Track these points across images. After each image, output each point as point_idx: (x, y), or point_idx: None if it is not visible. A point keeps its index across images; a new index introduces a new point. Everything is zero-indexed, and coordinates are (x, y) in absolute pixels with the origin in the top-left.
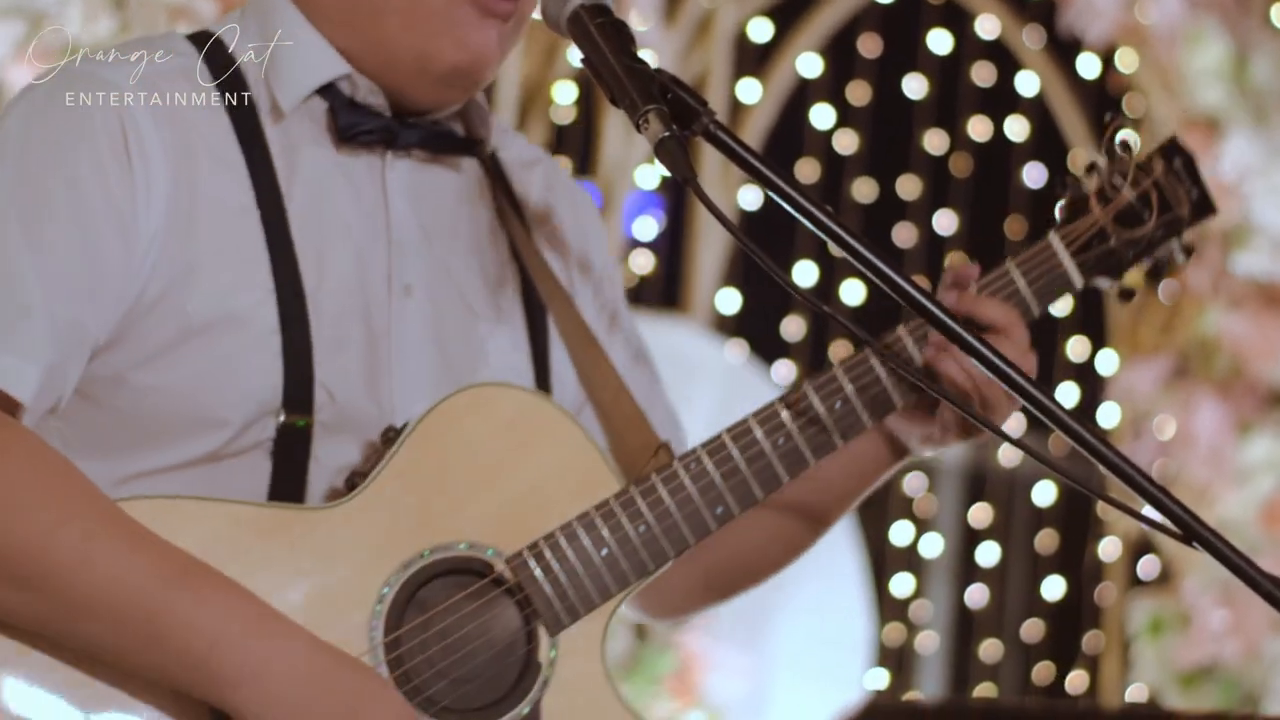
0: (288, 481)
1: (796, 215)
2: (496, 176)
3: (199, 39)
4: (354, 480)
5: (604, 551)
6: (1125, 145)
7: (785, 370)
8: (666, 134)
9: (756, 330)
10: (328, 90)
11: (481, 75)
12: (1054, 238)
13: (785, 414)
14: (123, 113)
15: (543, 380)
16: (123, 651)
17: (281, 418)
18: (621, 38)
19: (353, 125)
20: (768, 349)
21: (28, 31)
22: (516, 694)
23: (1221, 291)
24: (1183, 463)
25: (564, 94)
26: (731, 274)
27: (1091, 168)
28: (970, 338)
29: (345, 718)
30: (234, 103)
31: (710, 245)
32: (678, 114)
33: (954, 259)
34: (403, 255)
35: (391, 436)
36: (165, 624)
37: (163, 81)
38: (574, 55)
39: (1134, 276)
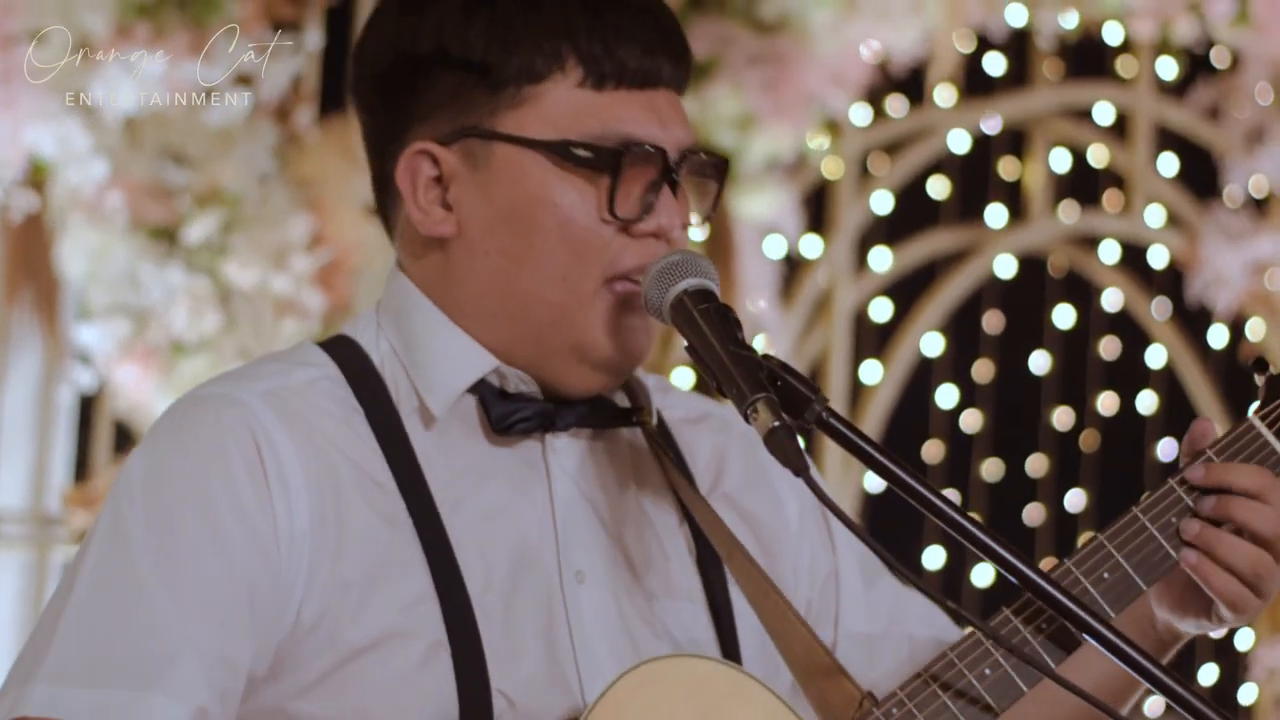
0: None
1: (916, 505)
2: (663, 439)
3: (334, 346)
4: None
5: None
6: None
7: None
8: (776, 424)
9: None
10: (476, 384)
11: (637, 360)
12: (1255, 419)
13: (989, 644)
14: (256, 432)
15: (729, 650)
16: None
17: None
18: (727, 324)
19: (507, 415)
20: None
21: (133, 329)
22: None
23: None
24: None
25: (682, 379)
26: None
27: None
28: (1088, 618)
29: None
30: (376, 411)
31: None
32: (788, 402)
33: (1086, 539)
34: (571, 541)
35: None
36: None
37: (295, 398)
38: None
39: None
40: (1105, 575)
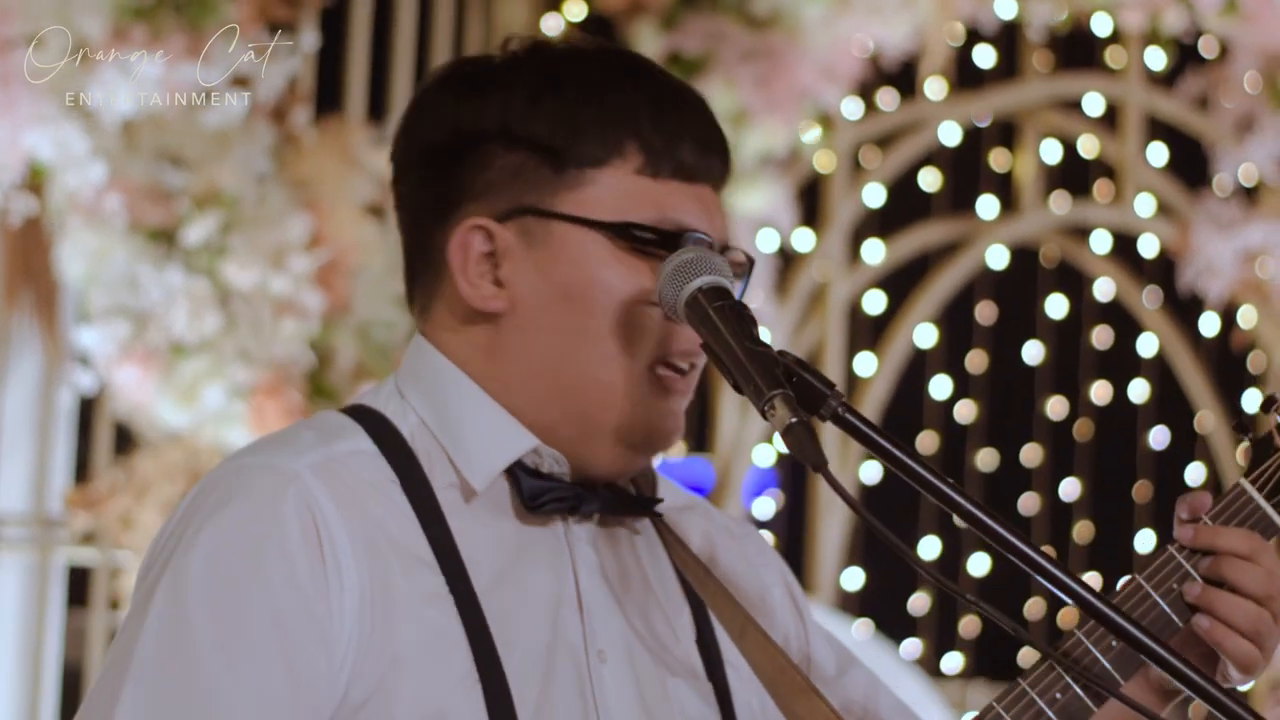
0: None
1: (935, 500)
2: (661, 524)
3: (361, 417)
4: None
5: None
6: None
7: (913, 647)
8: (794, 420)
9: (883, 608)
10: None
11: (671, 443)
12: (1245, 483)
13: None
14: (314, 509)
15: None
16: None
17: None
18: (742, 321)
19: (540, 493)
20: (895, 627)
21: (133, 331)
22: None
23: None
24: None
25: None
26: (855, 552)
27: (1269, 404)
28: (1109, 610)
29: None
30: (412, 485)
31: (832, 523)
32: (804, 398)
33: (1081, 527)
34: (593, 621)
35: None
36: None
37: (343, 470)
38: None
39: None
40: (1114, 644)
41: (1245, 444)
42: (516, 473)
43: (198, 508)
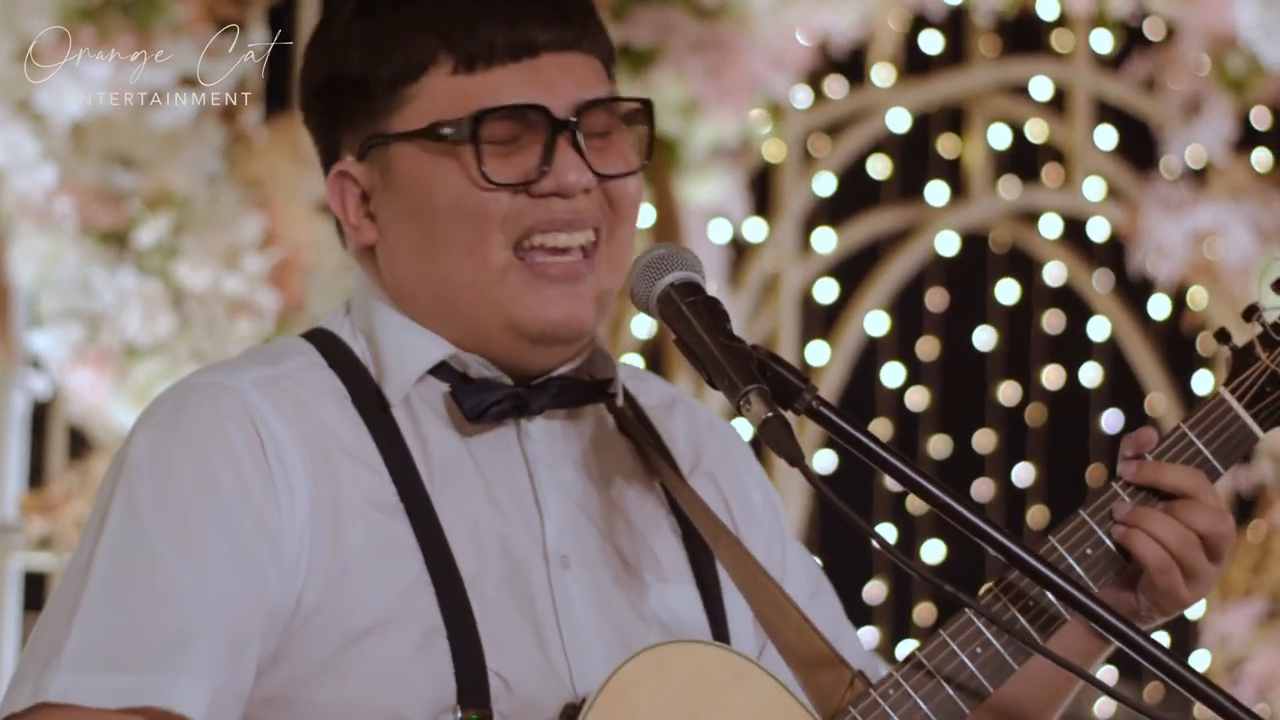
0: None
1: (916, 495)
2: (639, 422)
3: (314, 337)
4: None
5: None
6: None
7: (869, 635)
8: (770, 415)
9: (838, 594)
10: (443, 373)
11: (575, 329)
12: (1225, 392)
13: (979, 623)
14: (254, 417)
15: (719, 631)
16: None
17: (458, 715)
18: (715, 316)
19: (479, 404)
20: (850, 614)
21: (86, 334)
22: None
23: None
24: None
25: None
26: (811, 537)
27: (1251, 313)
28: (1066, 585)
29: None
30: (361, 396)
31: (790, 508)
32: (778, 392)
33: (1035, 512)
34: (555, 526)
35: (571, 715)
36: None
37: (288, 382)
38: (639, 327)
39: None
40: (1034, 603)
41: (1226, 353)
42: (452, 385)
43: (142, 427)
